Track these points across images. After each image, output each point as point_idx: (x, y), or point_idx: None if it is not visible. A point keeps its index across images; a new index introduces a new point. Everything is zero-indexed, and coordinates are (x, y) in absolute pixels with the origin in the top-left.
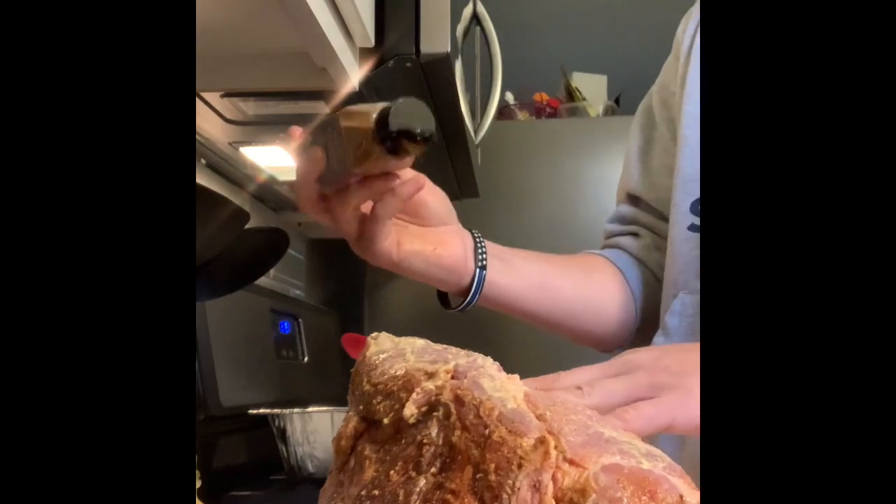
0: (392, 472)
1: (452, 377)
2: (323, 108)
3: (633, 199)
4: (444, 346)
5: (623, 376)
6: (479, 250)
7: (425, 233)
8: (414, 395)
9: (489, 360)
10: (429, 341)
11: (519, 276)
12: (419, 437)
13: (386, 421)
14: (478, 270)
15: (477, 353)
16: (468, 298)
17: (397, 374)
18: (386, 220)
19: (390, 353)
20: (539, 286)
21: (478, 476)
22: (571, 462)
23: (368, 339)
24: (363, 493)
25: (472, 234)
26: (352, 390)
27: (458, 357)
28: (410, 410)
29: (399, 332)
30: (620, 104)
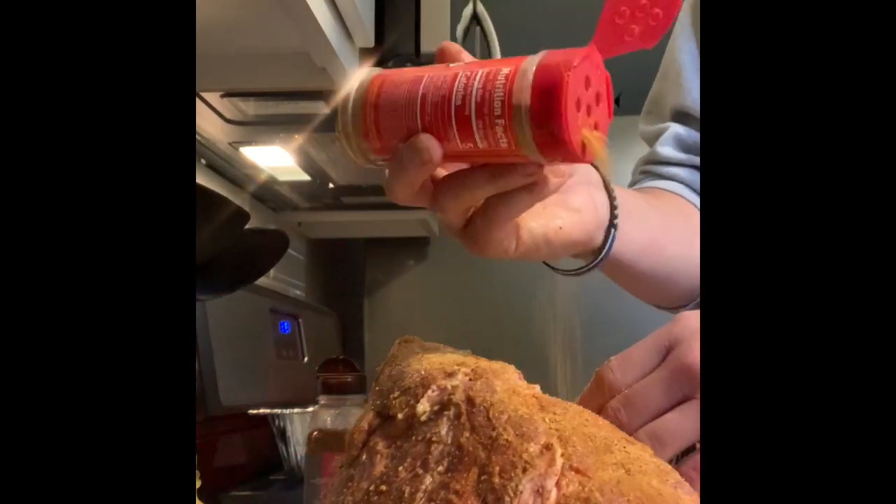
0: (400, 468)
1: (470, 379)
2: (323, 109)
3: (691, 121)
4: (474, 355)
5: (664, 378)
6: (614, 209)
7: (547, 201)
8: (429, 393)
9: (511, 367)
10: (457, 349)
11: (632, 237)
12: (429, 435)
13: (400, 416)
14: (612, 231)
15: (501, 361)
16: (592, 263)
17: (417, 371)
18: (509, 221)
19: (417, 354)
20: (648, 245)
21: (482, 478)
22: (577, 471)
23: (398, 340)
24: (371, 487)
25: (604, 181)
26: (373, 387)
27: (482, 363)
28: (423, 407)
29: (399, 332)
30: (620, 104)
